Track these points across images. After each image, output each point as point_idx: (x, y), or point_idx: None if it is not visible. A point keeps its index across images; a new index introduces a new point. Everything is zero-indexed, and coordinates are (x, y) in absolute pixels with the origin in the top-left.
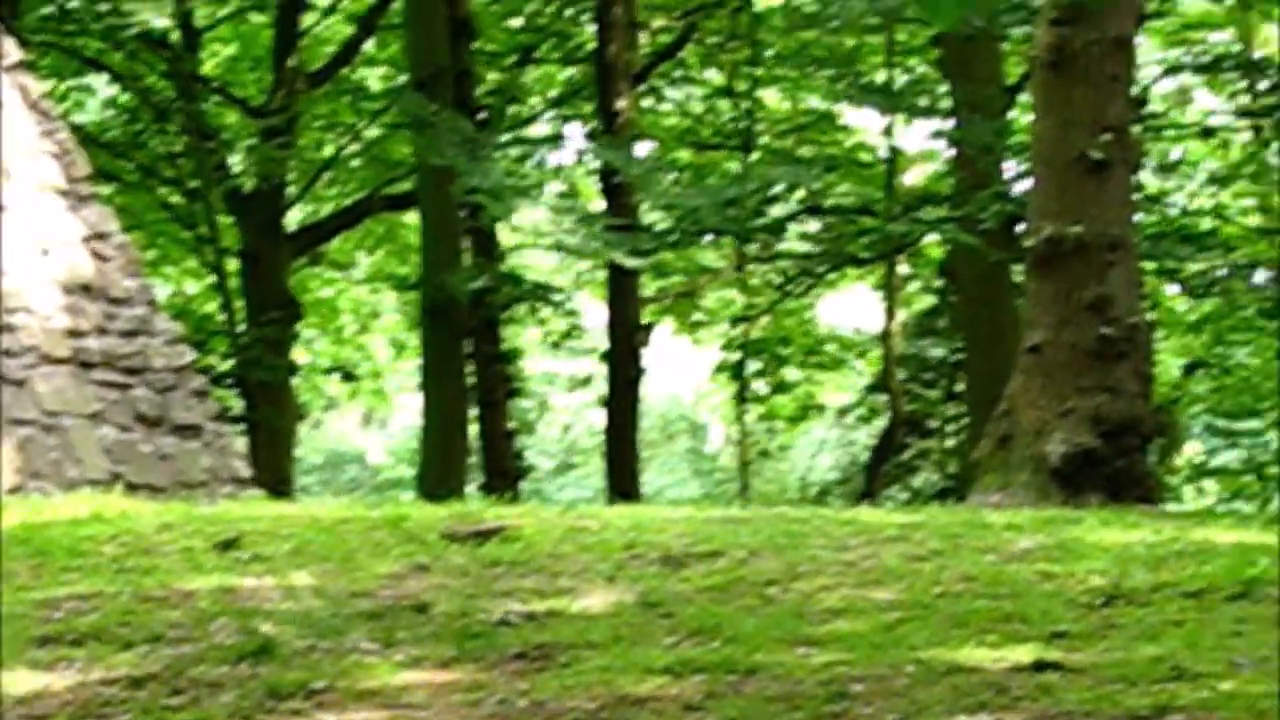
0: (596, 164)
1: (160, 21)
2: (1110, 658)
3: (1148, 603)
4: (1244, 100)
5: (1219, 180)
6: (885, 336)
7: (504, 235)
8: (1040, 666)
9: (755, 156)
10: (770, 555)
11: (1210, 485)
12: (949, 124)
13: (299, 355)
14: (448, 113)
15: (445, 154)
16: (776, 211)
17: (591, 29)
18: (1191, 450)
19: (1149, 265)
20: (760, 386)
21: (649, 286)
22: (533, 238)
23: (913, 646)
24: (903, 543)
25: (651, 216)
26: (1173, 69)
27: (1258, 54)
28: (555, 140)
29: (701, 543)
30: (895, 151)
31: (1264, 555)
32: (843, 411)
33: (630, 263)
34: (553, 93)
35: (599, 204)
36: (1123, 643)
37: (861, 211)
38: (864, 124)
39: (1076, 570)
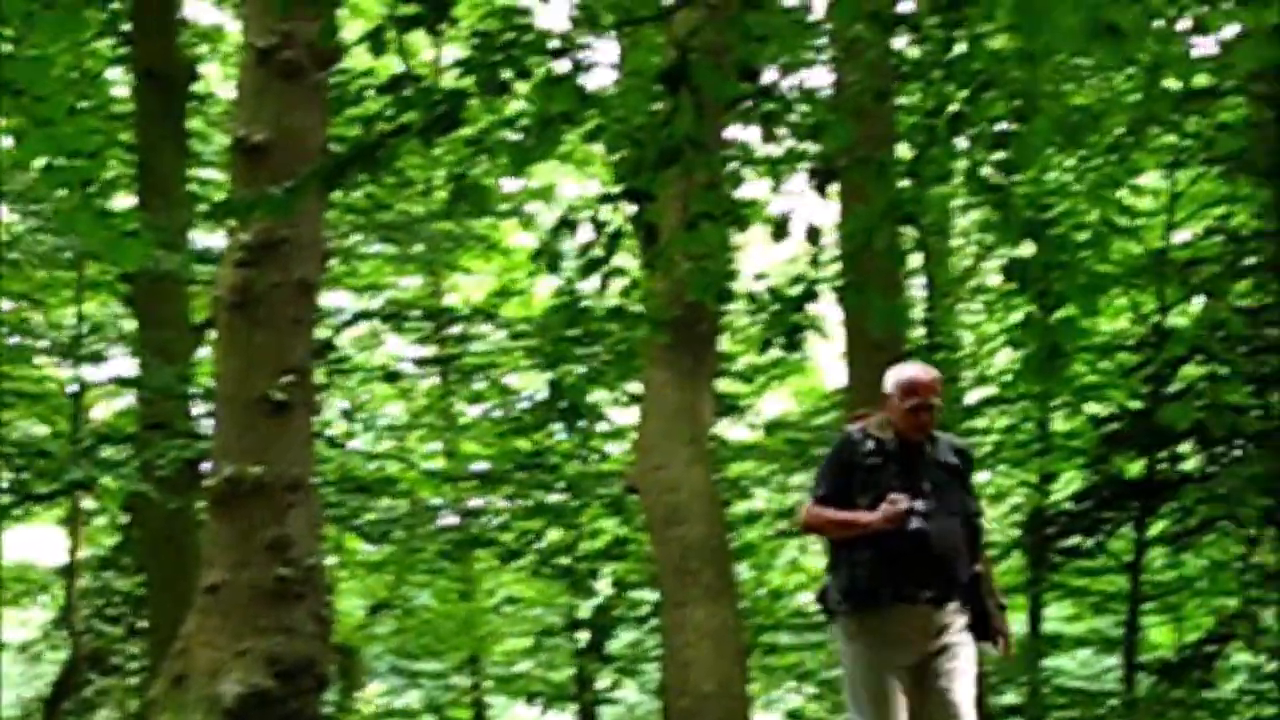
0: None
1: None
2: None
3: None
4: (429, 348)
5: (402, 426)
6: (69, 571)
7: None
8: None
9: None
10: None
11: None
12: (134, 363)
13: None
14: None
15: None
16: None
17: None
18: (376, 689)
19: (331, 508)
20: None
21: None
22: None
23: None
24: None
25: None
26: (362, 315)
27: (445, 301)
28: None
29: None
30: (83, 386)
31: None
32: (24, 647)
33: None
34: None
35: None
36: None
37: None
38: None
39: None
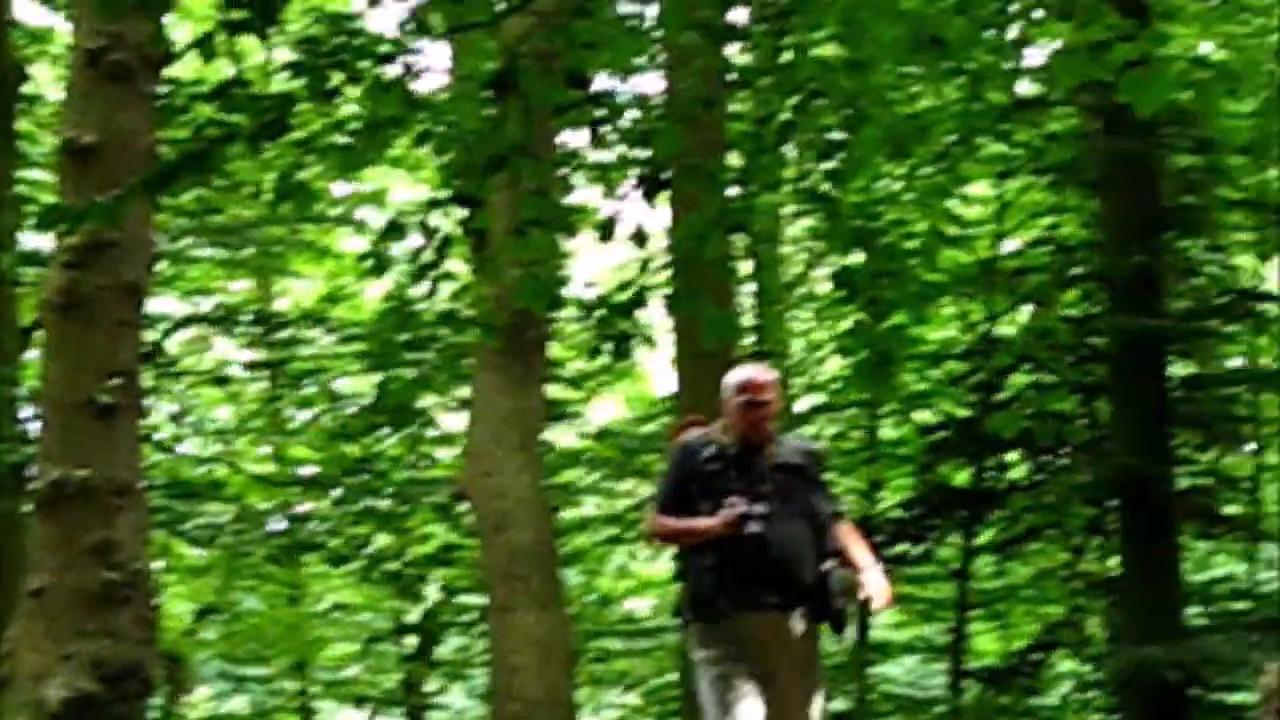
0: None
1: None
2: None
3: None
4: (258, 352)
5: (231, 430)
6: None
7: None
8: None
9: None
10: None
11: None
12: None
13: None
14: None
15: None
16: None
17: None
18: (203, 695)
19: (158, 512)
20: None
21: None
22: None
23: None
24: None
25: None
26: (191, 319)
27: (275, 306)
28: None
29: None
30: None
31: None
32: None
33: None
34: None
35: None
36: None
37: None
38: None
39: None
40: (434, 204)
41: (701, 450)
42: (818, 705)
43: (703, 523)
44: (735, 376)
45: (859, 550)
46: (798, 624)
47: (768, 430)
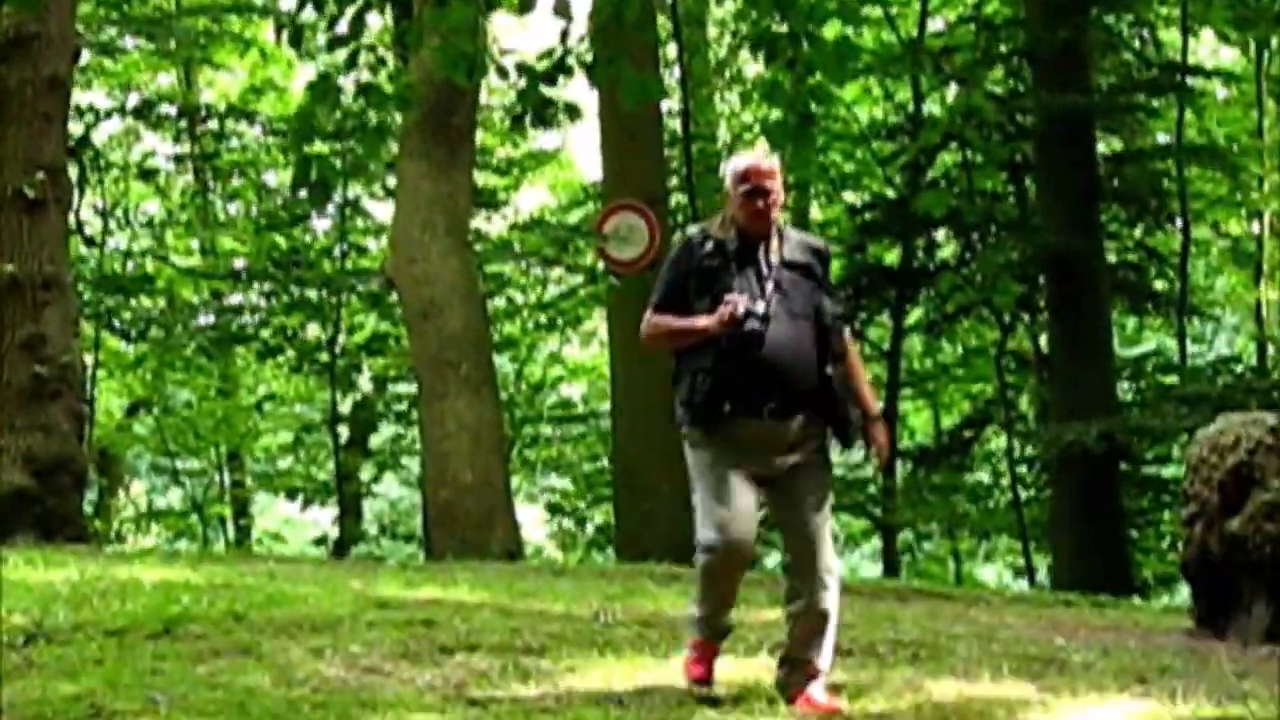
0: None
1: None
2: (29, 696)
3: (69, 641)
4: (185, 146)
5: (160, 223)
6: None
7: None
8: None
9: None
10: None
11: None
12: None
13: None
14: None
15: None
16: None
17: None
18: (137, 490)
19: (88, 306)
20: None
21: None
22: None
23: None
24: None
25: None
26: (118, 110)
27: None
28: None
29: None
30: None
31: (187, 593)
32: None
33: None
34: None
35: None
36: (41, 681)
37: None
38: None
39: None
40: None
41: (701, 245)
42: (822, 526)
43: (700, 321)
44: (736, 164)
45: (864, 386)
46: (803, 431)
47: (771, 223)
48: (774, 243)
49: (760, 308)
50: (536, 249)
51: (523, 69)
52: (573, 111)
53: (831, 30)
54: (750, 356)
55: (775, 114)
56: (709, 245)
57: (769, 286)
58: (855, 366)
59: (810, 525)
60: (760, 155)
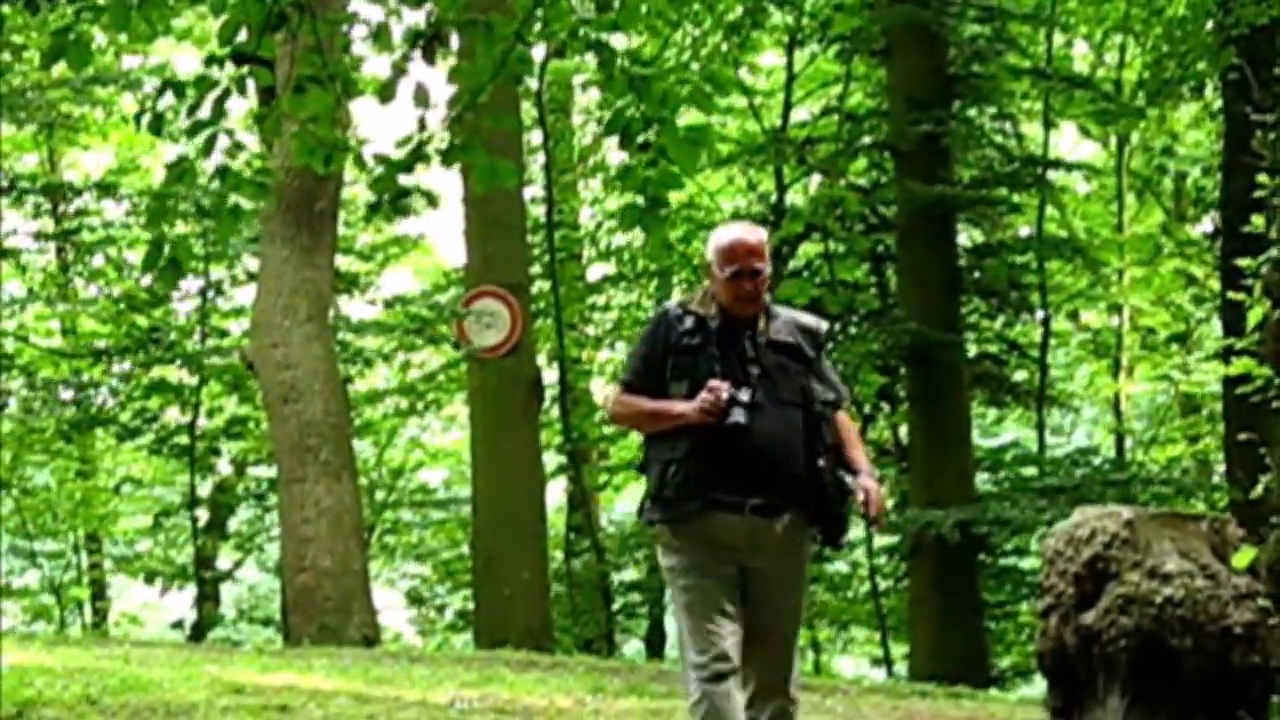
0: None
1: None
2: None
3: None
4: (47, 223)
5: (20, 301)
6: None
7: None
8: None
9: None
10: None
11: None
12: None
13: None
14: None
15: None
16: None
17: None
18: None
19: None
20: None
21: None
22: None
23: None
24: None
25: None
26: None
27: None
28: None
29: None
30: None
31: (41, 676)
32: None
33: None
34: None
35: None
36: None
37: None
38: None
39: None
40: (210, 60)
41: (680, 321)
42: (798, 622)
43: (678, 406)
44: (720, 239)
45: (855, 449)
46: (787, 531)
47: (760, 308)
48: (761, 322)
49: (746, 395)
50: (399, 325)
51: (379, 158)
52: (431, 199)
53: (689, 117)
54: (734, 448)
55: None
56: (688, 322)
57: (754, 371)
58: (845, 430)
59: (781, 638)
60: (746, 229)
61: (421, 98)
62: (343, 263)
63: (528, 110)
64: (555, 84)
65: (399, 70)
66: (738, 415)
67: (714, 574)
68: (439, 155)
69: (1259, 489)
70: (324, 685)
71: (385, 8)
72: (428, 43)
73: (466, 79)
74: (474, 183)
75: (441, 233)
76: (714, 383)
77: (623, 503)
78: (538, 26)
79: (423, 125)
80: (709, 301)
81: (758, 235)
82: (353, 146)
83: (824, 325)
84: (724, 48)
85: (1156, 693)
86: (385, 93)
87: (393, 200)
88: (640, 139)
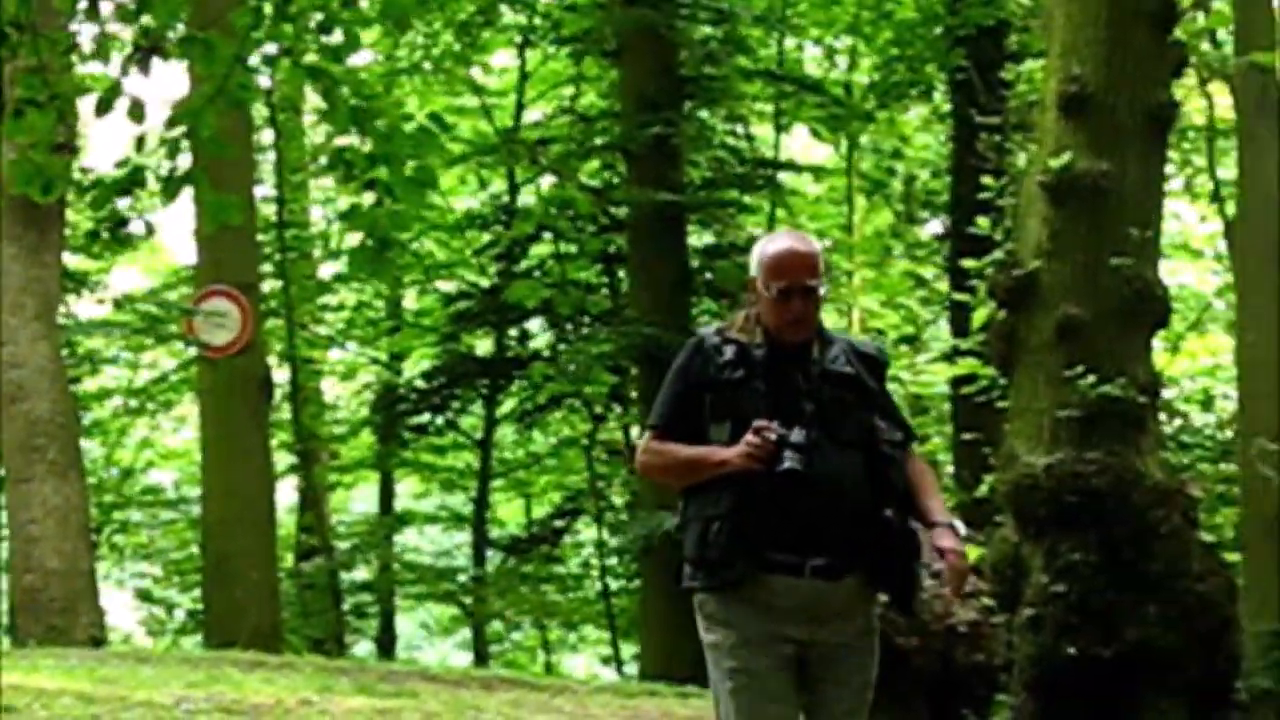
0: None
1: None
2: None
3: None
4: None
5: None
6: None
7: None
8: None
9: None
10: None
11: None
12: None
13: None
14: None
15: None
16: None
17: None
18: None
19: None
20: None
21: None
22: None
23: None
24: None
25: None
26: None
27: None
28: None
29: None
30: None
31: None
32: None
33: None
34: None
35: None
36: None
37: None
38: None
39: None
40: None
41: (719, 351)
42: (866, 703)
43: (720, 453)
44: (767, 249)
45: (930, 497)
46: (854, 598)
47: (812, 331)
48: (814, 351)
49: (799, 436)
50: (128, 324)
51: (95, 180)
52: (149, 228)
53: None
54: (787, 499)
55: (356, 239)
56: (729, 352)
57: (808, 408)
58: (917, 475)
59: None
60: (798, 238)
61: (136, 112)
62: (72, 261)
63: (259, 109)
64: (286, 81)
65: (114, 87)
66: (791, 460)
67: (769, 653)
68: (161, 186)
69: (983, 488)
70: (49, 685)
71: (99, 23)
72: (144, 55)
73: (186, 103)
74: (202, 221)
75: (171, 230)
76: (761, 423)
77: (355, 502)
78: (263, 50)
79: (140, 145)
80: (752, 326)
81: (811, 247)
82: (75, 177)
83: (885, 352)
84: (456, 47)
85: (882, 692)
86: (102, 107)
87: (111, 230)
88: (366, 177)
